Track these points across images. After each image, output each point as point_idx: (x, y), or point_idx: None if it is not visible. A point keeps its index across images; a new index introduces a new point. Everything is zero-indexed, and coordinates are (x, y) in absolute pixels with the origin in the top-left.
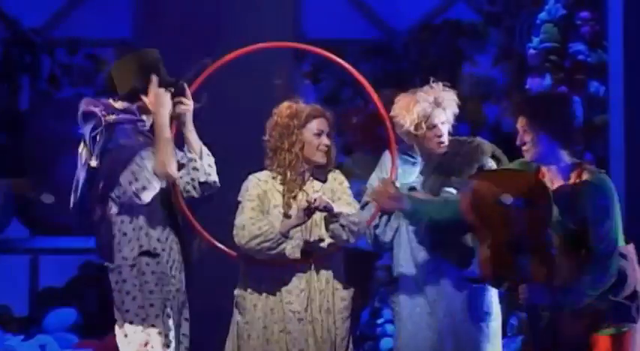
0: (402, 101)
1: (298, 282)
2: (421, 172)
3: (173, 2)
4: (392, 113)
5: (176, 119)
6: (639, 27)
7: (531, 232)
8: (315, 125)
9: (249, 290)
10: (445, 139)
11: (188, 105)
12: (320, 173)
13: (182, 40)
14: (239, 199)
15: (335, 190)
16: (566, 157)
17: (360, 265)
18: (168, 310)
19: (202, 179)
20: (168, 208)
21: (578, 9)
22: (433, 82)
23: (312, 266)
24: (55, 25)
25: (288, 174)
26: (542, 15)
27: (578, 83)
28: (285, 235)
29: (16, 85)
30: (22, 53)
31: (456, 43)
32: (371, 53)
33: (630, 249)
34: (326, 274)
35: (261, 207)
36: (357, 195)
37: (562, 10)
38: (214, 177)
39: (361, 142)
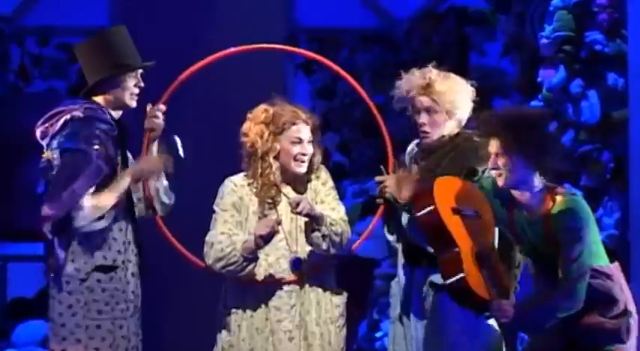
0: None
1: (288, 297)
2: (413, 160)
3: None
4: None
5: (149, 132)
6: None
7: (484, 244)
8: (293, 133)
9: (231, 309)
10: (428, 128)
11: (161, 120)
12: (301, 177)
13: (165, 27)
14: (214, 206)
15: (318, 191)
16: (539, 181)
17: (358, 273)
18: (124, 331)
19: (165, 200)
20: (129, 216)
21: None
22: (433, 66)
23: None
24: (25, 12)
25: (261, 183)
26: (556, 1)
27: (595, 75)
28: (248, 258)
29: None
30: None
31: (462, 32)
32: (369, 43)
33: (614, 270)
34: (318, 282)
35: (238, 217)
36: (356, 196)
37: None
38: (172, 198)
39: (360, 139)
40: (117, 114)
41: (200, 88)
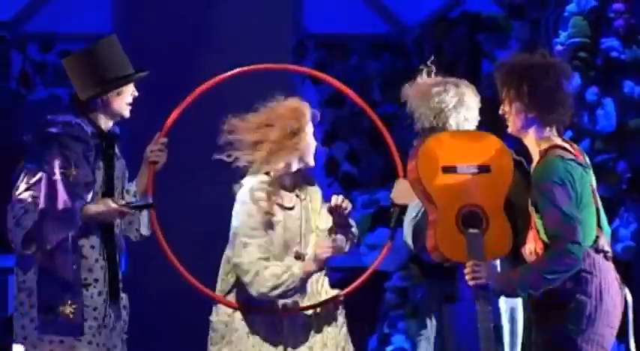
0: None
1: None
2: None
3: None
4: None
5: (153, 164)
6: None
7: (488, 201)
8: (311, 126)
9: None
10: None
11: (165, 153)
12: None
13: (170, 32)
14: (237, 224)
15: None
16: (541, 133)
17: (367, 286)
18: (94, 347)
19: (144, 232)
20: (104, 234)
21: (610, 0)
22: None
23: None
24: (27, 19)
25: (287, 180)
26: (571, 7)
27: (611, 83)
28: (304, 280)
29: None
30: None
31: (475, 38)
32: (380, 49)
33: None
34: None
35: (266, 234)
36: (365, 206)
37: (593, 2)
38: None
39: (369, 149)
40: (108, 124)
41: (206, 97)
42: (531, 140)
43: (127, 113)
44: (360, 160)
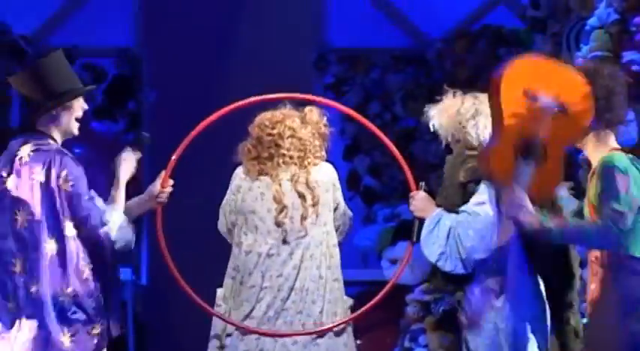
0: None
1: None
2: None
3: (180, 6)
4: None
5: (160, 206)
6: None
7: (552, 140)
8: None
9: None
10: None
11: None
12: None
13: (191, 46)
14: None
15: None
16: (599, 137)
17: (389, 300)
18: None
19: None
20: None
21: (632, 14)
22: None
23: None
24: (49, 32)
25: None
26: (592, 21)
27: (633, 97)
28: None
29: (5, 99)
30: (12, 63)
31: (496, 52)
32: (402, 63)
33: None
34: None
35: None
36: (387, 220)
37: (614, 15)
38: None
39: (391, 163)
40: (60, 141)
41: (180, 125)
42: (592, 145)
43: (75, 130)
44: (382, 173)
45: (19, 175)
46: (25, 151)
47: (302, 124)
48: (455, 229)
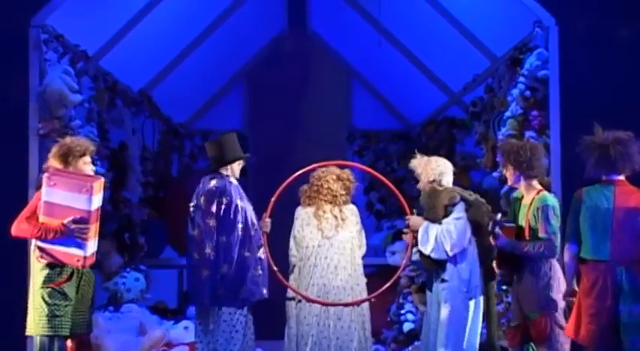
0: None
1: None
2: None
3: (270, 103)
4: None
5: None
6: (575, 118)
7: None
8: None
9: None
10: (419, 184)
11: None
12: None
13: (274, 129)
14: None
15: None
16: (529, 183)
17: (389, 275)
18: None
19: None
20: None
21: (530, 109)
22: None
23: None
24: (194, 121)
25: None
26: (507, 113)
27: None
28: None
29: (169, 160)
30: (173, 139)
31: (451, 132)
32: (397, 138)
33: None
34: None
35: None
36: (389, 229)
37: (520, 110)
38: None
39: (391, 195)
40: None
41: (270, 177)
42: (523, 187)
43: (238, 174)
44: (386, 202)
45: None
46: (213, 183)
47: (335, 180)
48: (440, 234)
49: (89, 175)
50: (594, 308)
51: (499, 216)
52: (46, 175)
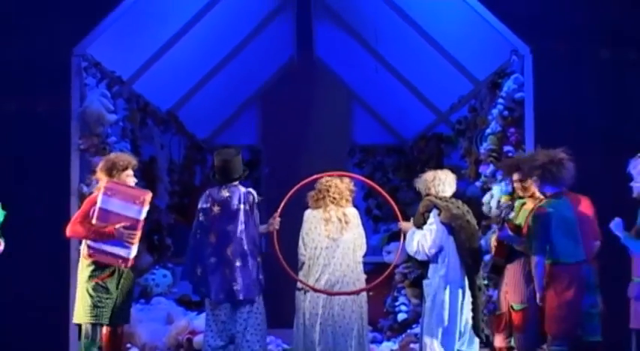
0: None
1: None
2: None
3: (282, 120)
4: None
5: (273, 231)
6: (547, 135)
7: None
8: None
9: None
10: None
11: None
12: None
13: (286, 144)
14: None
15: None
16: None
17: (385, 270)
18: None
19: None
20: None
21: (508, 127)
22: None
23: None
24: (215, 137)
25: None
26: (488, 131)
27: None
28: None
29: (193, 172)
30: (196, 153)
31: (440, 146)
32: (392, 152)
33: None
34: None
35: None
36: (385, 231)
37: (499, 128)
38: None
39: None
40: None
41: (281, 185)
42: (533, 197)
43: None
44: (382, 208)
45: (225, 203)
46: (226, 192)
47: (340, 183)
48: (422, 239)
49: (141, 189)
50: (572, 304)
51: (511, 214)
52: (104, 185)
